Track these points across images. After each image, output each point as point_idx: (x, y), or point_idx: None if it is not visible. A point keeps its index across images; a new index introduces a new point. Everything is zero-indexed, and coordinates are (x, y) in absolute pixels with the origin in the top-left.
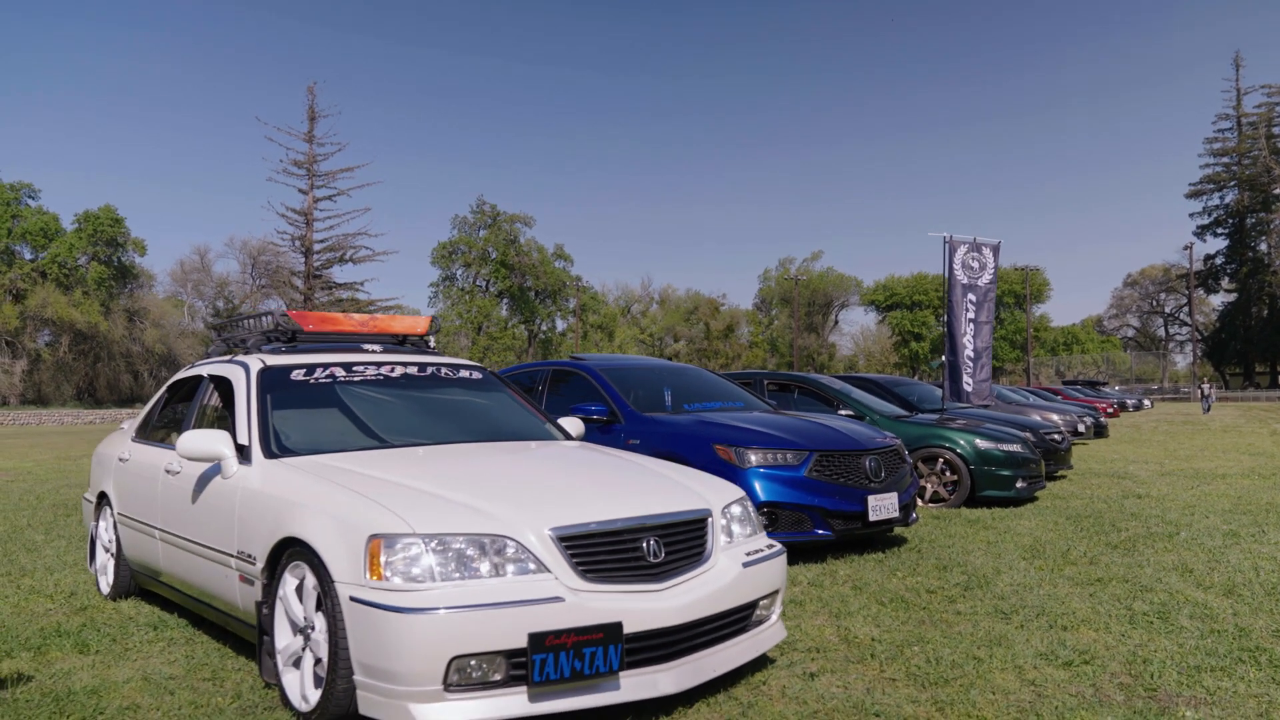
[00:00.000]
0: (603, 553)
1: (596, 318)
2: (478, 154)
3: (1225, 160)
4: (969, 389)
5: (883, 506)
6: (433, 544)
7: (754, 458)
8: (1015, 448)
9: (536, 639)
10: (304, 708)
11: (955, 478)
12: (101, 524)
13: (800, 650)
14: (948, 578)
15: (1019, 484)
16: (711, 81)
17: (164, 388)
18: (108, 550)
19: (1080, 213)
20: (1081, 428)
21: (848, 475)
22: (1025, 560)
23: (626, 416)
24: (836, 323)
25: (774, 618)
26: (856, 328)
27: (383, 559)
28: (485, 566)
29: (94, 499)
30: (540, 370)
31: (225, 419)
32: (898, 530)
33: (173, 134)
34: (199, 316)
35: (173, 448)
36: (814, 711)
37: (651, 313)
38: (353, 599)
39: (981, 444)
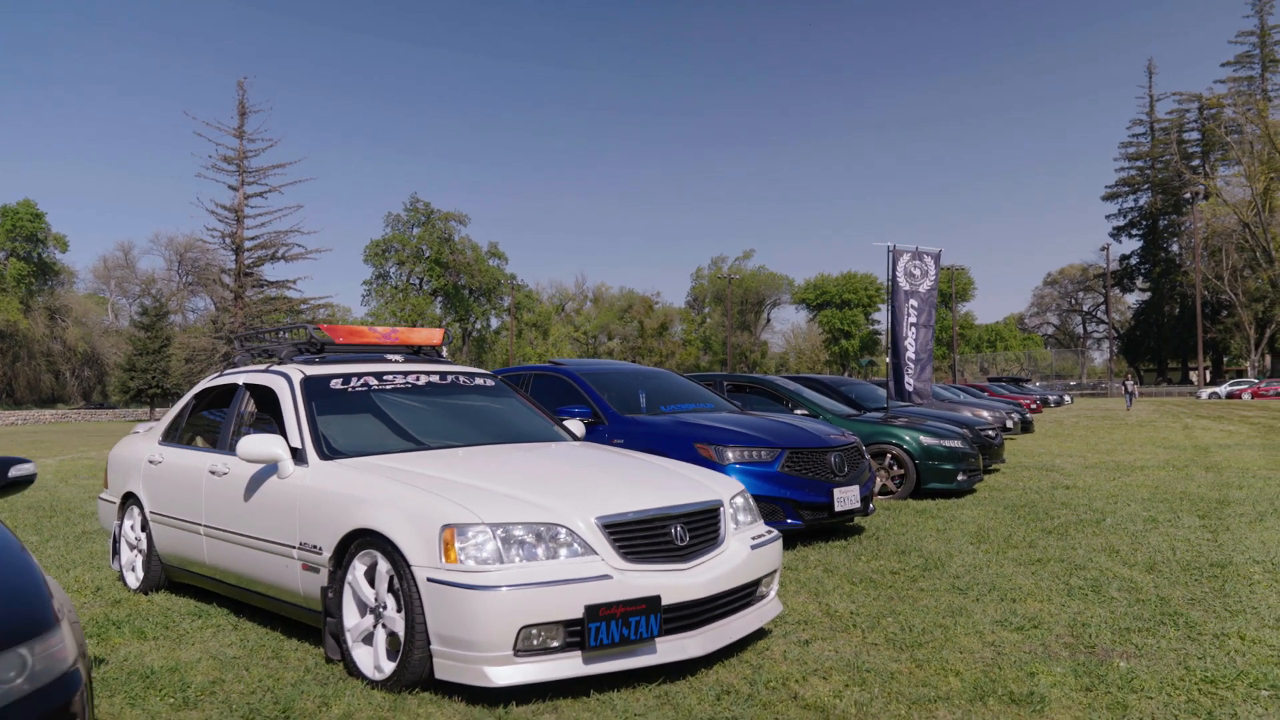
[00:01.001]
0: (639, 537)
1: (531, 316)
2: (412, 151)
3: (1139, 164)
4: (911, 388)
5: (846, 498)
6: (498, 531)
7: (732, 455)
8: (956, 443)
9: (592, 610)
10: (378, 677)
11: (902, 472)
12: (127, 523)
13: (790, 623)
14: (907, 560)
15: (960, 477)
16: (644, 81)
17: (190, 395)
18: (134, 547)
19: (1004, 214)
20: (1010, 424)
21: (815, 470)
22: (973, 545)
23: (609, 418)
24: (769, 321)
25: (772, 594)
26: (788, 325)
27: (457, 545)
28: (542, 550)
29: (116, 500)
30: (522, 374)
31: (266, 424)
32: (857, 520)
33: (96, 127)
34: (123, 315)
35: (214, 451)
36: (814, 670)
37: (585, 311)
38: (430, 580)
39: (926, 440)
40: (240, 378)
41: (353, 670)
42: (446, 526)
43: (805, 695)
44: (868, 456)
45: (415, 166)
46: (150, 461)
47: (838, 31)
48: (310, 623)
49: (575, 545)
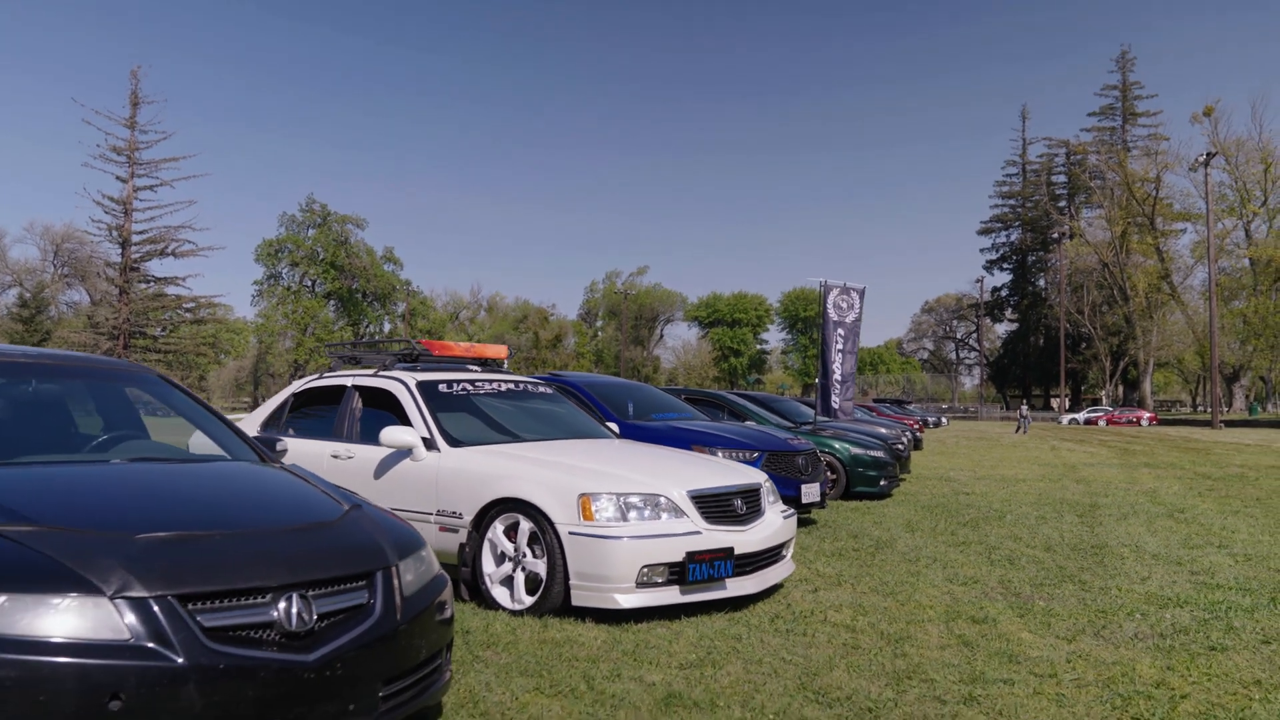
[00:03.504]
0: (715, 506)
1: (425, 323)
2: (309, 152)
3: (1011, 203)
4: (836, 406)
5: (811, 493)
6: (620, 499)
7: (723, 455)
8: (879, 453)
9: (691, 554)
10: (518, 608)
11: (835, 477)
12: None
13: (797, 580)
14: (862, 542)
15: (882, 482)
16: (545, 91)
17: (287, 392)
18: None
19: (889, 242)
20: (906, 439)
21: (787, 469)
22: (908, 532)
23: (612, 423)
24: (662, 336)
25: (789, 556)
26: (679, 342)
27: (593, 507)
28: (649, 512)
29: None
30: None
31: (377, 419)
32: (813, 513)
33: None
34: None
35: (329, 439)
36: (829, 606)
37: (480, 320)
38: (571, 533)
39: (855, 450)
40: (346, 380)
41: (491, 605)
42: (583, 495)
43: (832, 619)
44: (822, 460)
45: (312, 166)
46: None
47: (732, 58)
48: None
49: (672, 511)
